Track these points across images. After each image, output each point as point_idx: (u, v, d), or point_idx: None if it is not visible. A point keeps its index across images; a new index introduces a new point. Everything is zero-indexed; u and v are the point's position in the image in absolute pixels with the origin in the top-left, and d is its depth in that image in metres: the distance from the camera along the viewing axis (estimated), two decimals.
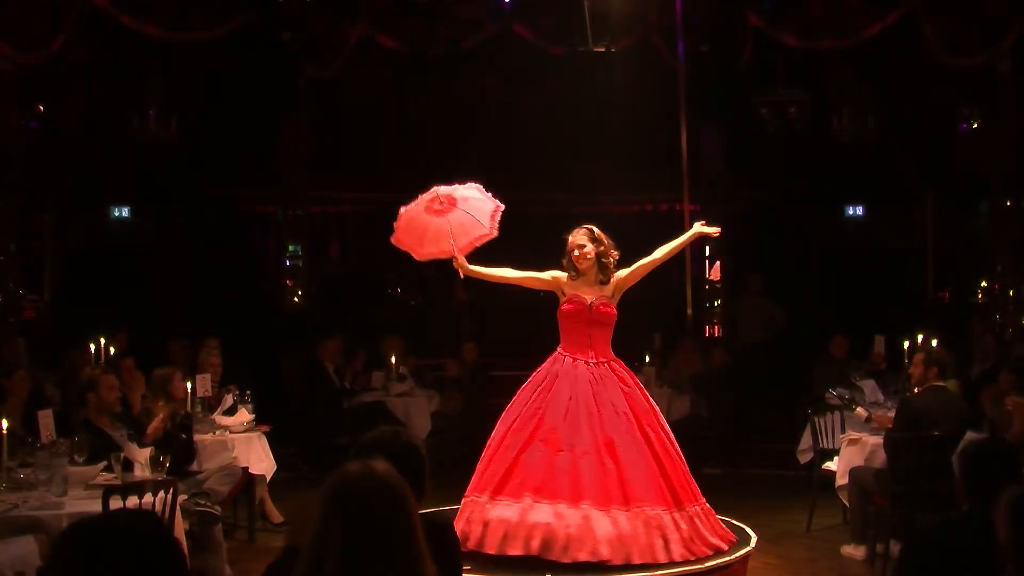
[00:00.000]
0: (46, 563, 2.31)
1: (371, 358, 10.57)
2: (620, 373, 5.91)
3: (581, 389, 5.76)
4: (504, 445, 5.78)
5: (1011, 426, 6.58)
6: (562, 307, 5.99)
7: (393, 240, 6.21)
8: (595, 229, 6.01)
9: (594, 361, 5.87)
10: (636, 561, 5.41)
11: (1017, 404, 6.54)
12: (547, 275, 6.08)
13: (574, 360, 5.88)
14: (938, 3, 9.49)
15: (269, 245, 13.44)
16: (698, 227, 6.07)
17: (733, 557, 5.72)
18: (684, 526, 5.59)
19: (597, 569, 5.37)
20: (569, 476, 5.55)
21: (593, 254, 5.93)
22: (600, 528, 5.44)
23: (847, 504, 7.20)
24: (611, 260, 5.97)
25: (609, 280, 5.98)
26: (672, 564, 5.44)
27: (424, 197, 6.10)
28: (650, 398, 6.02)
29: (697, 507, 5.76)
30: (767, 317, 11.79)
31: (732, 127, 12.25)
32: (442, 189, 6.08)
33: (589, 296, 5.94)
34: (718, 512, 6.39)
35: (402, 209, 6.16)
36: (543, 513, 5.50)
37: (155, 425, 6.50)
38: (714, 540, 5.73)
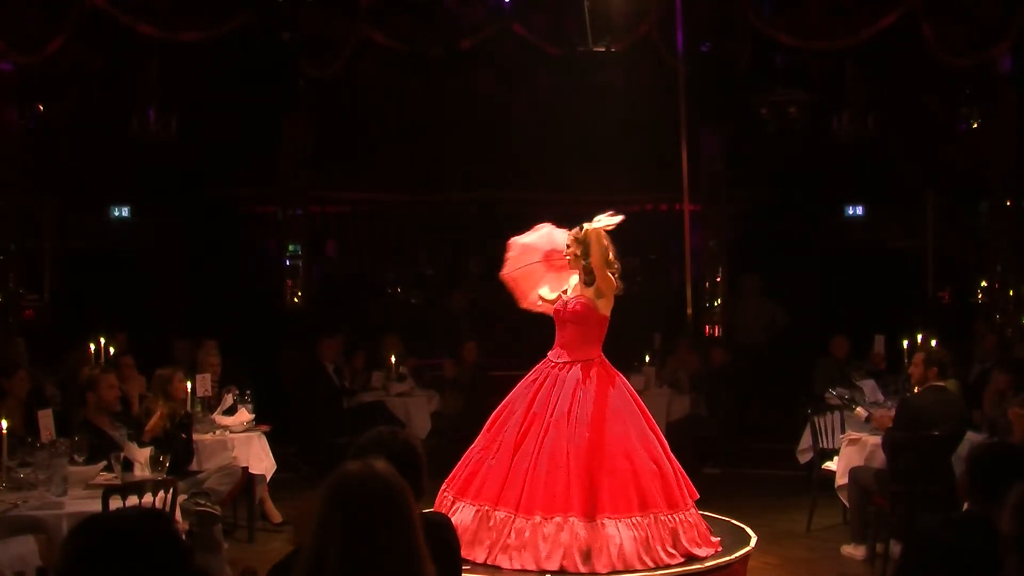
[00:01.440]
0: (56, 560, 2.29)
1: (371, 358, 10.57)
2: (576, 375, 5.73)
3: (526, 393, 5.82)
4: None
5: (1011, 433, 6.57)
6: None
7: (505, 277, 6.23)
8: (586, 227, 5.82)
9: (563, 360, 5.83)
10: (479, 560, 5.43)
11: (1019, 415, 6.52)
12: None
13: (546, 362, 5.91)
14: (938, 3, 9.49)
15: (269, 245, 13.43)
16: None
17: (733, 557, 5.71)
18: (548, 531, 5.37)
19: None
20: (472, 476, 5.74)
21: (571, 255, 5.89)
22: (458, 517, 5.53)
23: (847, 504, 7.20)
24: (591, 264, 5.78)
25: (593, 281, 5.84)
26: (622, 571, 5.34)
27: (539, 244, 6.13)
28: (624, 399, 5.77)
29: (576, 519, 5.40)
30: (768, 317, 11.78)
31: (732, 127, 12.24)
32: (557, 236, 6.08)
33: (571, 294, 5.94)
34: (719, 512, 6.40)
35: (515, 241, 6.20)
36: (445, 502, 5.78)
37: (153, 423, 6.50)
38: (599, 562, 5.31)
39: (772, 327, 11.78)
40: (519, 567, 5.37)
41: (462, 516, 5.59)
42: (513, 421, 5.74)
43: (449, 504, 5.73)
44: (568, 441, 5.54)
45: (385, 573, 2.36)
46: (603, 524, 5.42)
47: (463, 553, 5.18)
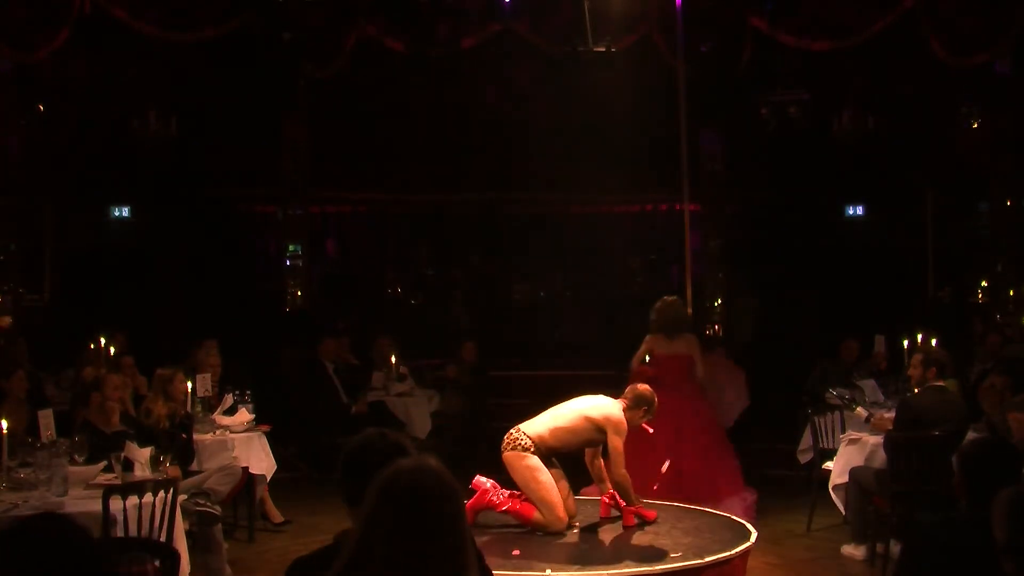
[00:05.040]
0: None
1: (369, 358, 10.56)
2: None
3: None
4: None
5: (1011, 434, 6.56)
6: None
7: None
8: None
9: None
10: None
11: (1018, 420, 6.51)
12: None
13: None
14: (938, 2, 9.48)
15: (269, 245, 13.44)
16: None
17: (733, 552, 5.70)
18: None
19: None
20: None
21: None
22: None
23: (840, 505, 7.19)
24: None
25: None
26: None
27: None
28: None
29: None
30: (748, 308, 11.79)
31: (732, 127, 12.24)
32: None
33: None
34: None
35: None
36: None
37: (113, 412, 6.39)
38: None
39: (754, 317, 11.79)
40: None
41: None
42: None
43: None
44: None
45: (431, 567, 2.30)
46: None
47: None
